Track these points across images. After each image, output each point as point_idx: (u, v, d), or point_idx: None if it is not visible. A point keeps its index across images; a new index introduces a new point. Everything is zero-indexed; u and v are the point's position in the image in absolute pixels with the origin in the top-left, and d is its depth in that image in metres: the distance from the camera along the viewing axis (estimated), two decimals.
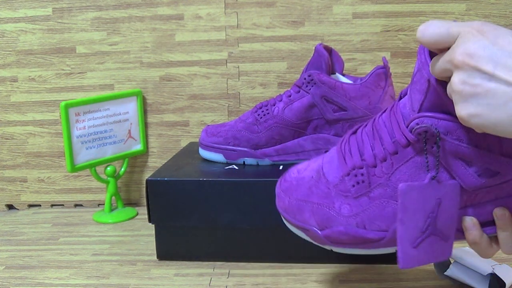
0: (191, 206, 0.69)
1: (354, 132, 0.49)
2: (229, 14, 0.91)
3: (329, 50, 0.72)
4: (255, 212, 0.68)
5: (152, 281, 0.66)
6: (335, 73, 0.73)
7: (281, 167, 0.72)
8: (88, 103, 0.87)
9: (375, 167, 0.45)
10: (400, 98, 0.46)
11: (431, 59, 0.41)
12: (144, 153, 0.96)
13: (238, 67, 0.93)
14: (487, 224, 0.45)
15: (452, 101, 0.39)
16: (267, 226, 0.68)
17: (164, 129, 0.96)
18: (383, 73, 0.68)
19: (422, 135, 0.42)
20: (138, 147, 0.95)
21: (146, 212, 0.70)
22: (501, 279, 0.55)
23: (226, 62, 0.93)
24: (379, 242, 0.47)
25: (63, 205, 0.99)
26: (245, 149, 0.74)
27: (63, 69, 0.94)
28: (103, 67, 0.94)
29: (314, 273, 0.67)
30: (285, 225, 0.68)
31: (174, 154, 0.85)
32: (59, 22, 0.93)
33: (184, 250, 0.71)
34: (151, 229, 0.73)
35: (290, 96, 0.72)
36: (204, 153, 0.77)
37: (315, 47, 0.71)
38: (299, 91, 0.72)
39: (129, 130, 0.93)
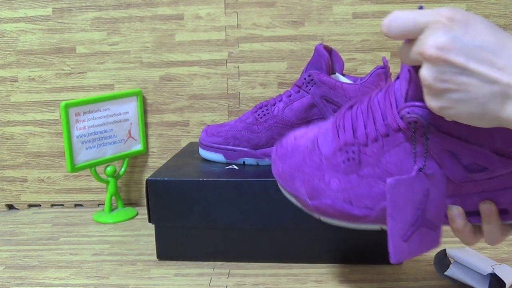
0: (191, 206, 0.69)
1: (350, 108, 0.49)
2: (229, 14, 0.91)
3: (329, 50, 0.72)
4: (255, 212, 0.68)
5: (152, 281, 0.66)
6: (335, 73, 0.73)
7: None
8: (88, 103, 0.87)
9: (367, 146, 0.45)
10: (398, 77, 0.46)
11: None
12: (144, 153, 0.96)
13: (238, 67, 0.93)
14: (473, 214, 0.45)
15: None
16: (267, 226, 0.68)
17: (164, 129, 0.96)
18: (383, 73, 0.68)
19: (412, 124, 0.42)
20: (138, 147, 0.95)
21: (146, 212, 0.70)
22: (501, 279, 0.55)
23: (226, 62, 0.93)
24: (364, 219, 0.47)
25: (63, 205, 0.99)
26: (245, 149, 0.74)
27: (63, 69, 0.94)
28: (103, 67, 0.94)
29: (314, 273, 0.67)
30: (285, 225, 0.68)
31: (174, 154, 0.85)
32: (59, 22, 0.93)
33: (184, 250, 0.71)
34: (151, 229, 0.73)
35: (290, 96, 0.72)
36: (204, 153, 0.77)
37: (315, 47, 0.71)
38: (299, 91, 0.72)
39: (129, 130, 0.93)
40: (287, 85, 0.92)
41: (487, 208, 0.43)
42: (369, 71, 0.69)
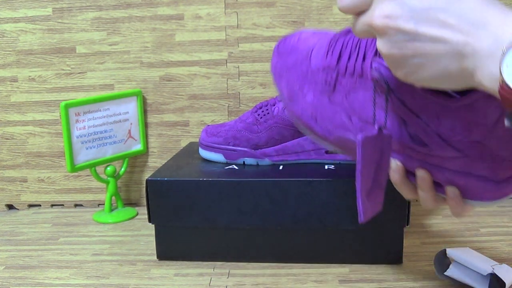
0: (191, 206, 0.69)
1: (347, 33, 0.49)
2: (229, 14, 0.91)
3: None
4: (255, 212, 0.68)
5: (152, 281, 0.66)
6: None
7: (281, 167, 0.72)
8: (88, 103, 0.87)
9: (344, 77, 0.46)
10: None
11: None
12: (144, 153, 0.96)
13: (238, 67, 0.93)
14: (412, 174, 0.45)
15: None
16: (267, 226, 0.68)
17: (164, 129, 0.96)
18: None
19: (374, 81, 0.42)
20: (138, 147, 0.95)
21: (146, 212, 0.70)
22: (501, 279, 0.55)
23: (226, 62, 0.93)
24: (324, 138, 0.49)
25: (63, 205, 0.99)
26: (245, 149, 0.74)
27: (63, 69, 0.94)
28: (103, 67, 0.94)
29: (314, 273, 0.67)
30: (285, 225, 0.68)
31: (174, 154, 0.85)
32: (59, 22, 0.93)
33: (184, 250, 0.71)
34: (151, 229, 0.73)
35: None
36: (204, 153, 0.77)
37: None
38: None
39: (129, 130, 0.93)
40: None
41: (422, 177, 0.44)
42: None
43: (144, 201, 0.97)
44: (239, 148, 0.74)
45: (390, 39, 0.35)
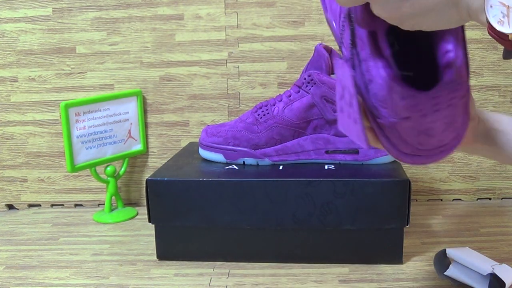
0: (191, 206, 0.69)
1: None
2: (229, 14, 0.91)
3: (329, 50, 0.72)
4: (255, 212, 0.68)
5: (152, 281, 0.66)
6: (335, 73, 0.73)
7: (281, 167, 0.72)
8: (88, 103, 0.87)
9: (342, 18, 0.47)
10: None
11: None
12: (144, 153, 0.96)
13: (238, 67, 0.93)
14: None
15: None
16: (267, 226, 0.68)
17: (164, 129, 0.96)
18: None
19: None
20: (138, 147, 0.95)
21: (146, 212, 0.70)
22: (501, 279, 0.55)
23: (226, 62, 0.93)
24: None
25: (63, 205, 0.99)
26: (245, 149, 0.74)
27: (63, 69, 0.94)
28: (103, 67, 0.94)
29: (314, 273, 0.67)
30: (285, 225, 0.68)
31: (174, 154, 0.85)
32: (59, 22, 0.93)
33: (184, 250, 0.71)
34: (151, 229, 0.73)
35: (290, 96, 0.72)
36: (204, 153, 0.77)
37: (315, 47, 0.71)
38: (299, 91, 0.72)
39: (129, 130, 0.93)
40: (287, 85, 0.92)
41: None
42: None
43: (144, 201, 0.97)
44: (239, 148, 0.74)
45: (384, 2, 0.35)
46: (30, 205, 0.99)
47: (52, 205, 0.99)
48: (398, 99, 0.38)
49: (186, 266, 0.70)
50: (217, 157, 0.75)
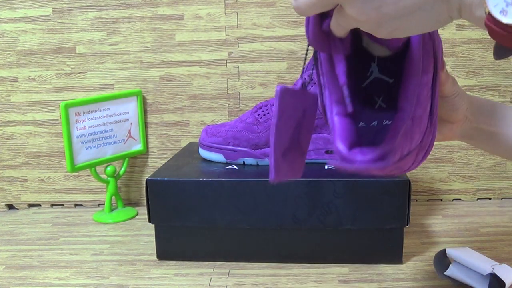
0: (191, 206, 0.69)
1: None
2: (229, 14, 0.91)
3: None
4: (255, 212, 0.68)
5: (152, 281, 0.66)
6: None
7: None
8: (88, 103, 0.87)
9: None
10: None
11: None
12: (144, 153, 0.96)
13: (238, 67, 0.93)
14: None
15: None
16: (267, 226, 0.68)
17: (164, 129, 0.96)
18: None
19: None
20: (138, 147, 0.95)
21: (146, 212, 0.70)
22: (501, 279, 0.55)
23: (226, 62, 0.93)
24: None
25: (63, 205, 0.99)
26: (245, 149, 0.74)
27: (63, 69, 0.94)
28: (103, 67, 0.94)
29: (314, 273, 0.67)
30: (285, 225, 0.68)
31: (174, 154, 0.85)
32: (59, 22, 0.93)
33: (184, 250, 0.71)
34: (151, 229, 0.73)
35: None
36: (204, 153, 0.77)
37: None
38: None
39: (129, 130, 0.93)
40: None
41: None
42: None
43: (144, 201, 0.97)
44: (239, 148, 0.74)
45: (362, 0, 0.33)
46: (30, 205, 0.99)
47: (52, 205, 0.99)
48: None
49: (186, 266, 0.70)
50: (217, 157, 0.75)
